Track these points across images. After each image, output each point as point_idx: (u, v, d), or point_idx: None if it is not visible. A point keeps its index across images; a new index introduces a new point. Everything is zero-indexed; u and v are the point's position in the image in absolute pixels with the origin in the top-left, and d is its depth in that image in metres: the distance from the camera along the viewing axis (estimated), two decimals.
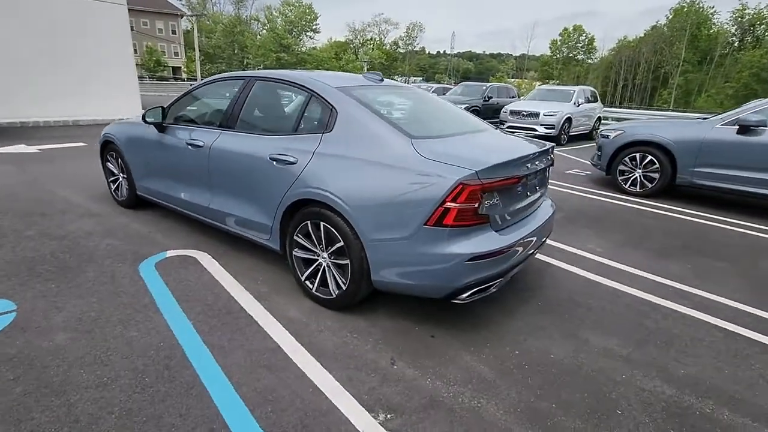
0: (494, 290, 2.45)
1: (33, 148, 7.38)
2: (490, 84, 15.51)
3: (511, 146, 2.87)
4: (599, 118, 13.93)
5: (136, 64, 14.23)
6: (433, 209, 2.14)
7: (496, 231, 2.36)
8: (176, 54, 60.81)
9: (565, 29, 65.16)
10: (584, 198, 5.91)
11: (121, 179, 4.30)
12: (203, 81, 3.58)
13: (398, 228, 2.26)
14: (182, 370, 2.06)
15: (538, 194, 2.86)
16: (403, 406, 1.92)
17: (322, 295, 2.67)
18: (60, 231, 3.72)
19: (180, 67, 60.08)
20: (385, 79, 3.35)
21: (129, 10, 11.91)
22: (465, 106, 13.65)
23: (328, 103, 2.66)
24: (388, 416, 1.85)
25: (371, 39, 70.48)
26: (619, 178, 6.28)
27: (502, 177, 2.26)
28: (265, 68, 52.93)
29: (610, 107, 23.27)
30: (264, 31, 62.60)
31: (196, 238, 3.70)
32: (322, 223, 2.53)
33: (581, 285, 3.22)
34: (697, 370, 2.27)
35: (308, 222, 2.61)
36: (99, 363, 2.08)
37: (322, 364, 2.16)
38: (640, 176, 6.03)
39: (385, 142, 2.41)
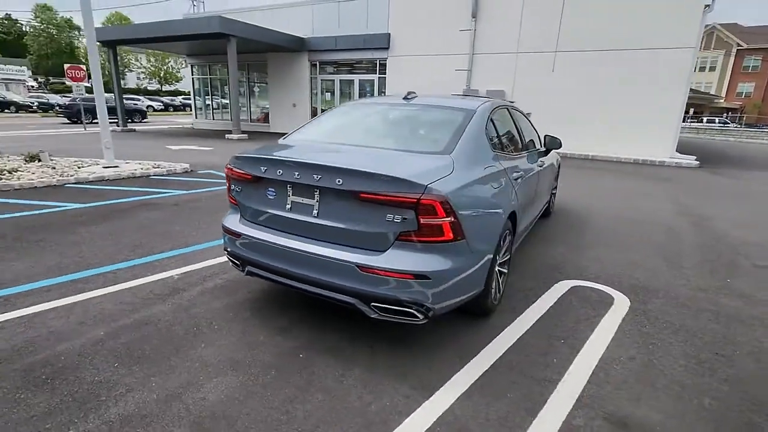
0: (246, 275, 2.69)
1: None
2: None
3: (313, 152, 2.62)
4: None
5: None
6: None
7: (242, 217, 2.64)
8: None
9: None
10: None
11: None
12: None
13: None
14: None
15: (316, 219, 2.29)
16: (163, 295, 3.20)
17: None
18: None
19: None
20: (416, 97, 3.25)
21: None
22: None
23: None
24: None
25: None
26: None
27: (237, 169, 2.55)
28: None
29: None
30: None
31: None
32: None
33: None
34: None
35: None
36: None
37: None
38: None
39: None
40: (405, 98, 3.31)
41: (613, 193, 7.51)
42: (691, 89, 12.14)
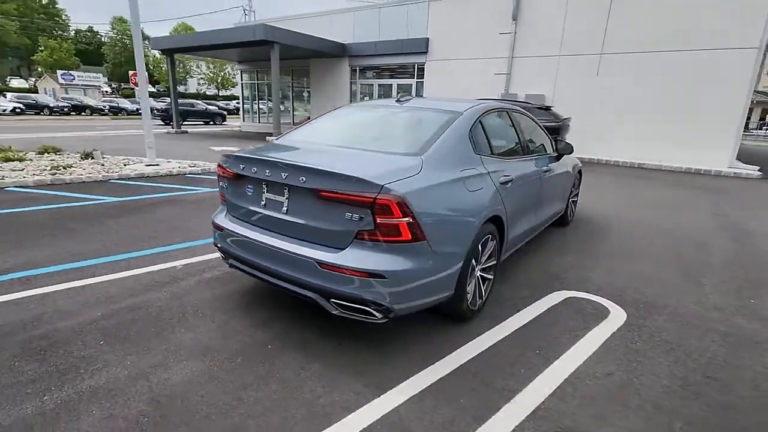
0: (230, 267, 2.83)
1: None
2: None
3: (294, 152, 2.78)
4: None
5: None
6: None
7: (228, 213, 2.78)
8: None
9: None
10: None
11: None
12: None
13: None
14: None
15: (285, 216, 2.38)
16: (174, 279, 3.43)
17: None
18: None
19: None
20: (410, 100, 3.29)
21: None
22: None
23: None
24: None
25: None
26: None
27: (225, 166, 2.69)
28: None
29: None
30: None
31: None
32: None
33: None
34: None
35: None
36: None
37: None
38: None
39: None
40: (398, 101, 3.34)
41: (651, 203, 7.03)
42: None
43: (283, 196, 2.38)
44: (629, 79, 12.09)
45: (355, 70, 17.69)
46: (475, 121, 2.91)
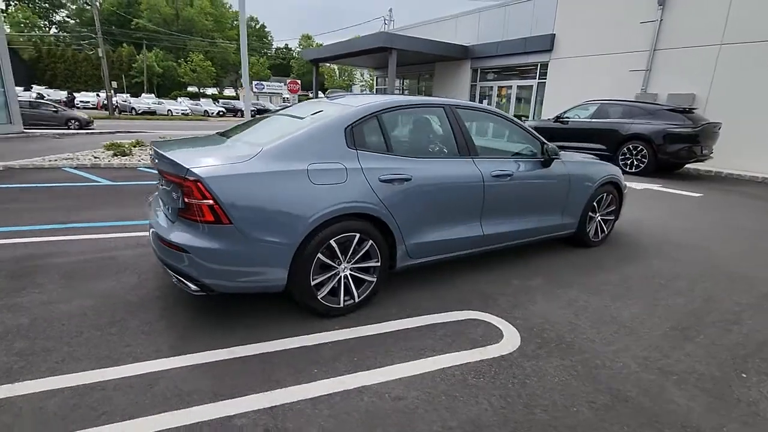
0: None
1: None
2: None
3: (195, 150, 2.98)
4: None
5: None
6: None
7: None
8: None
9: None
10: None
11: None
12: None
13: None
14: None
15: (164, 206, 2.77)
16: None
17: None
18: None
19: None
20: (343, 97, 3.29)
21: None
22: None
23: None
24: None
25: None
26: None
27: None
28: None
29: None
30: None
31: None
32: None
33: None
34: None
35: None
36: None
37: None
38: None
39: None
40: (327, 97, 3.43)
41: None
42: None
43: (163, 186, 2.80)
44: None
45: (476, 71, 17.23)
46: (362, 117, 2.82)
